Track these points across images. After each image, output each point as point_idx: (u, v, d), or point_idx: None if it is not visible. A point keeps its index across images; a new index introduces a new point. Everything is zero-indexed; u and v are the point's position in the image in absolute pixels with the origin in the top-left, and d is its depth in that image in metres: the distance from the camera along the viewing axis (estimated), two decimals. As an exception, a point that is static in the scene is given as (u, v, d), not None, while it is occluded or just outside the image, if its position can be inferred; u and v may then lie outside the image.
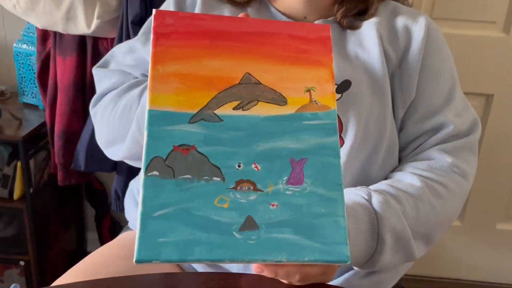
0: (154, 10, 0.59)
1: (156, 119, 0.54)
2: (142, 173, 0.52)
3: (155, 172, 0.53)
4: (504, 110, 1.62)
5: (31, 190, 1.43)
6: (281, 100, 0.58)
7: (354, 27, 0.80)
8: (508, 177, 1.70)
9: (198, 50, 0.58)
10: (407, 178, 0.75)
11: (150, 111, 0.54)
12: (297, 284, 0.62)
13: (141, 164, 0.69)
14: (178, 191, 0.52)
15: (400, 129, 0.81)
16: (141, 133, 0.73)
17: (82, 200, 1.74)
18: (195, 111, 0.55)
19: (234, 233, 0.51)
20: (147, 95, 0.55)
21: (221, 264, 0.78)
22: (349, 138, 0.74)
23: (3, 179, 1.44)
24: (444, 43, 0.83)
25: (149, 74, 0.56)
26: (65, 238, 1.70)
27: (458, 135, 0.79)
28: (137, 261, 0.48)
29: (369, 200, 0.68)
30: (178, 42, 0.58)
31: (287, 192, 0.55)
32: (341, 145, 0.75)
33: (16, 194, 1.43)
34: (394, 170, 0.79)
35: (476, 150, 0.82)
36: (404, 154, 0.81)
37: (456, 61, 0.84)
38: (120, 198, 1.27)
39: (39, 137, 1.46)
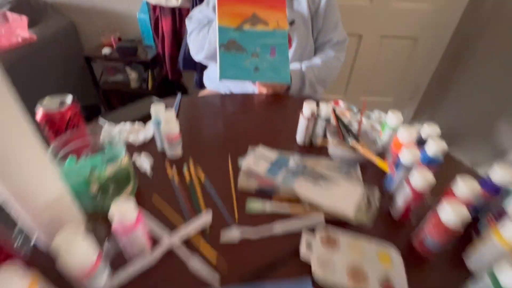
0: None
1: (222, 30, 0.56)
2: (218, 50, 0.55)
3: (223, 49, 0.55)
4: (369, 43, 1.50)
5: (156, 84, 1.43)
6: (267, 24, 0.59)
7: None
8: (366, 68, 1.57)
9: (239, 4, 0.58)
10: (316, 60, 0.78)
11: (219, 26, 0.55)
12: (270, 91, 0.66)
13: (209, 62, 0.69)
14: (232, 58, 0.55)
15: (315, 42, 0.82)
16: (211, 46, 0.75)
17: (175, 90, 1.59)
18: (236, 27, 0.57)
19: (252, 71, 0.56)
20: (215, 23, 0.54)
21: (245, 84, 0.76)
22: (294, 45, 0.77)
23: (143, 80, 1.45)
24: (335, 2, 0.80)
25: (216, 11, 0.56)
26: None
27: (337, 43, 0.82)
28: (220, 79, 0.53)
29: (301, 68, 0.74)
30: (230, 1, 0.58)
31: (270, 58, 0.58)
32: (290, 47, 0.77)
33: (149, 86, 1.43)
34: (311, 57, 0.81)
35: (345, 50, 0.83)
36: (317, 52, 0.83)
37: (342, 16, 0.81)
38: (198, 82, 1.15)
39: (156, 60, 1.41)
